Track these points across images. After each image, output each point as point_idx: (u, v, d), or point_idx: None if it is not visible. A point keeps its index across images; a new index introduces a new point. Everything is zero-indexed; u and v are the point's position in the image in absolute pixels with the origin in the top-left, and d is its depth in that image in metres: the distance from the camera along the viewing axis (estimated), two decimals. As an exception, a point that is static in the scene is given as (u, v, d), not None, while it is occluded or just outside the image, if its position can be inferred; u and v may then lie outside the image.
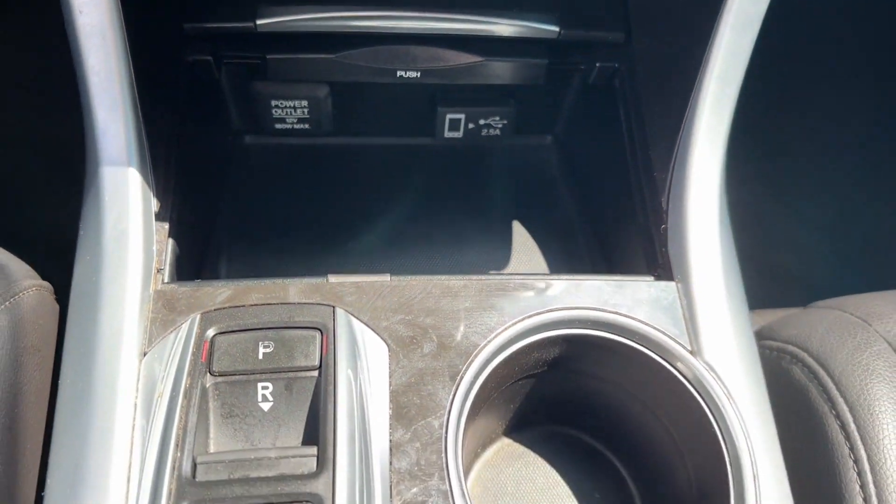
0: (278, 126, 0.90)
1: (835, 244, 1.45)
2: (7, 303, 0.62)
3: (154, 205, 0.63)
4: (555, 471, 0.75)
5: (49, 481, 0.53)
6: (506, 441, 0.77)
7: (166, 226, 0.65)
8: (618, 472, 0.74)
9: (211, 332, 0.57)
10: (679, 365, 0.61)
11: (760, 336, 0.82)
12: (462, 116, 0.93)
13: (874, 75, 1.64)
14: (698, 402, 0.60)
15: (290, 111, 0.89)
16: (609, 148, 0.82)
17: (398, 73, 0.81)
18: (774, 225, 1.46)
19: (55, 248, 0.77)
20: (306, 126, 0.91)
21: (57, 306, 0.71)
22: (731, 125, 0.68)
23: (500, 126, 0.95)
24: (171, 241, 0.65)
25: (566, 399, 0.73)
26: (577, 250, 0.88)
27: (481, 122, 0.94)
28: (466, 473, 0.69)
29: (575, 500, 0.74)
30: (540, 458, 0.76)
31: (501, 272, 0.68)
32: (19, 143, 1.32)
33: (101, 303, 0.58)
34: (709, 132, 0.67)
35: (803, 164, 1.56)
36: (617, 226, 0.80)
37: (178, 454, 0.52)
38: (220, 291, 0.60)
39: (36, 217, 1.16)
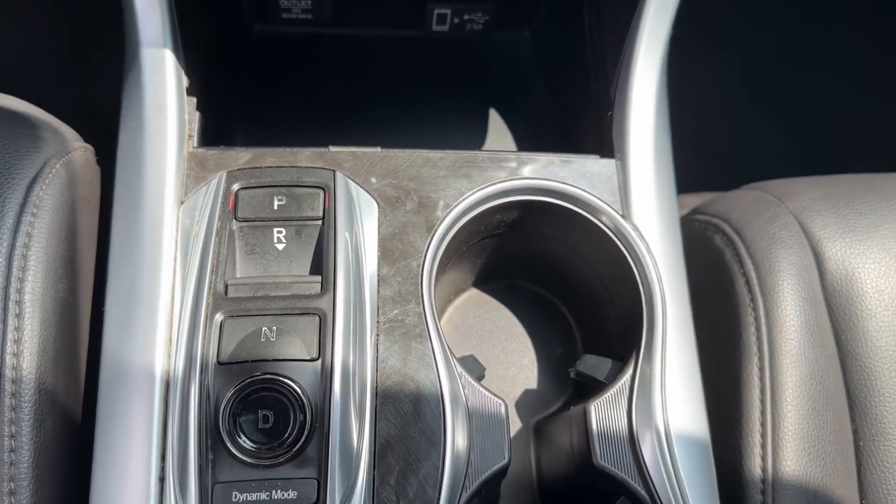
0: (284, 16, 1.01)
1: (781, 140, 1.58)
2: (64, 158, 0.76)
3: (185, 81, 0.76)
4: (513, 315, 0.91)
5: (108, 298, 0.68)
6: (474, 291, 0.93)
7: (194, 100, 0.77)
8: (563, 316, 0.90)
9: (236, 187, 0.71)
10: (611, 225, 0.76)
11: (695, 212, 0.97)
12: (448, 11, 1.04)
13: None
14: (625, 255, 0.75)
15: (296, 1, 1.00)
16: (574, 43, 0.94)
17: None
18: (728, 119, 1.59)
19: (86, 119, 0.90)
20: (309, 16, 1.02)
21: (98, 167, 0.85)
22: (673, 22, 0.80)
23: (482, 21, 1.06)
24: (198, 113, 0.78)
25: (523, 256, 0.88)
26: (541, 132, 1.01)
27: (465, 16, 1.05)
28: (440, 316, 0.84)
29: (529, 338, 0.90)
30: (501, 306, 0.92)
31: (474, 148, 0.81)
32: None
33: (144, 160, 0.71)
34: (652, 29, 0.79)
35: (758, 58, 1.65)
36: (576, 113, 0.93)
37: (213, 277, 0.66)
38: (242, 155, 0.74)
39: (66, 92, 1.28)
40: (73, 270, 0.74)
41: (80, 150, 0.80)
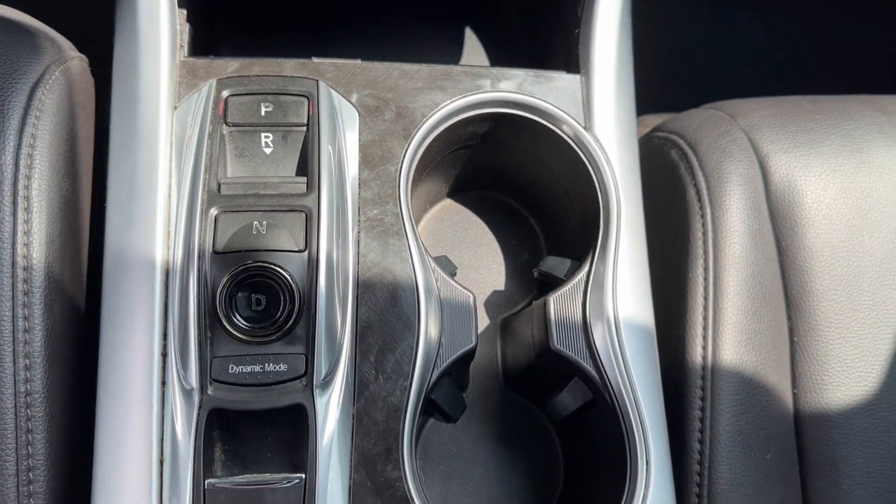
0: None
1: (748, 66, 1.64)
2: (62, 66, 0.80)
3: None
4: (484, 224, 0.99)
5: (109, 194, 0.74)
6: (448, 201, 0.99)
7: (184, 12, 0.82)
8: (529, 224, 0.98)
9: (225, 93, 0.76)
10: (574, 136, 0.82)
11: (655, 130, 1.03)
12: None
13: None
14: (585, 164, 0.82)
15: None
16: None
17: None
18: (695, 47, 1.64)
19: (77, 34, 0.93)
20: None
21: (92, 77, 0.89)
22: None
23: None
24: (188, 24, 0.83)
25: (494, 168, 0.94)
26: (513, 50, 1.06)
27: (443, -63, 1.08)
28: (416, 223, 0.91)
29: (498, 245, 0.98)
30: (473, 215, 0.99)
31: (449, 64, 0.86)
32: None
33: (140, 68, 0.76)
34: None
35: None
36: (546, 31, 0.98)
37: (207, 176, 0.72)
38: (231, 64, 0.79)
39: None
40: (74, 171, 0.80)
41: (77, 60, 0.84)
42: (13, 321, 0.70)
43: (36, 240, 0.73)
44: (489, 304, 0.95)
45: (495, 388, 0.91)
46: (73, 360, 0.76)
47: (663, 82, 1.37)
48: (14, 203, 0.72)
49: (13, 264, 0.71)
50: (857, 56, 1.67)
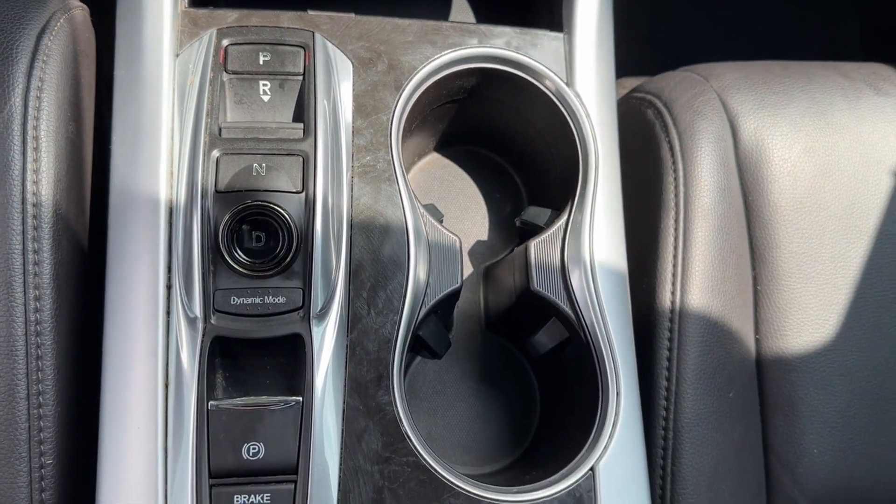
0: None
1: (728, 35, 1.70)
2: (66, 14, 0.83)
3: None
4: (469, 177, 1.03)
5: (115, 136, 0.78)
6: (435, 155, 1.04)
7: None
8: (512, 178, 1.03)
9: (225, 42, 0.80)
10: (556, 91, 0.87)
11: (634, 90, 1.08)
12: None
13: None
14: (566, 117, 0.87)
15: None
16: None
17: None
18: (675, 16, 1.69)
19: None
20: None
21: (92, 27, 0.92)
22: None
23: None
24: None
25: (480, 123, 0.99)
26: (500, 9, 1.10)
27: None
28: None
29: (482, 197, 1.02)
30: (459, 168, 1.03)
31: (439, 20, 0.90)
32: None
33: (144, 16, 0.79)
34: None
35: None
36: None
37: (209, 120, 0.76)
38: (230, 14, 0.82)
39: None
40: (78, 115, 0.83)
41: (79, 9, 0.87)
42: (23, 254, 0.74)
43: (44, 178, 0.76)
44: (473, 253, 1.00)
45: (477, 331, 0.97)
46: (79, 293, 0.80)
47: (643, 51, 1.41)
48: (24, 143, 0.75)
49: (23, 200, 0.75)
50: (831, 26, 1.73)
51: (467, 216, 1.02)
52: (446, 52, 0.86)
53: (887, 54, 1.16)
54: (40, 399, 0.74)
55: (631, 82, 1.18)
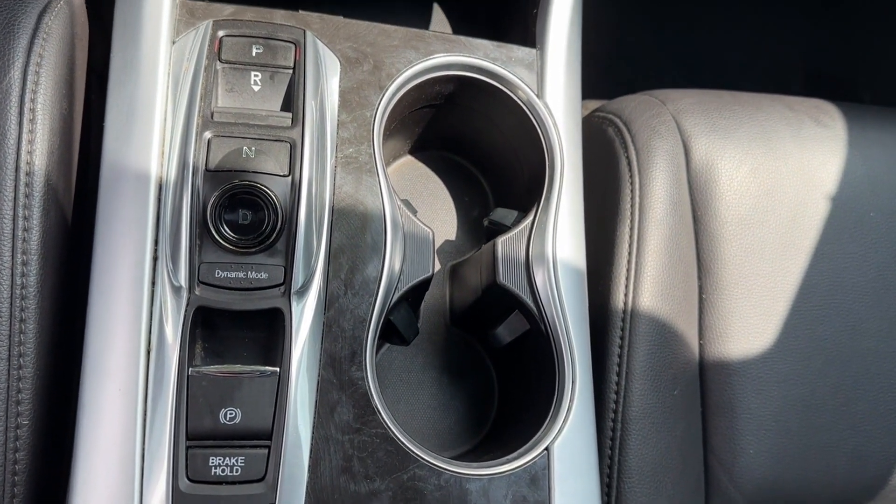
0: None
1: (685, 68, 1.81)
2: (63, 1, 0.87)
3: None
4: (440, 180, 1.09)
5: (108, 114, 0.81)
6: (409, 158, 1.09)
7: None
8: (480, 183, 1.09)
9: (221, 33, 0.84)
10: (527, 101, 0.94)
11: (597, 111, 1.16)
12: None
13: None
14: (535, 126, 0.94)
15: None
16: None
17: None
18: (636, 46, 1.79)
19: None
20: None
21: (86, 12, 0.95)
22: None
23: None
24: None
25: (453, 130, 1.05)
26: (477, 25, 1.17)
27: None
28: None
29: (451, 200, 1.08)
30: (431, 172, 1.09)
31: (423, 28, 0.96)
32: None
33: (143, 3, 0.84)
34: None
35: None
36: (508, 9, 1.10)
37: (202, 104, 0.80)
38: (226, 8, 0.87)
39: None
40: (71, 94, 0.86)
41: (76, -3, 0.91)
42: (14, 220, 0.77)
43: (38, 149, 0.79)
44: (440, 251, 1.05)
45: (442, 325, 1.02)
46: (64, 262, 0.83)
47: (605, 80, 1.49)
48: (20, 114, 0.78)
49: (17, 168, 0.78)
50: (777, 64, 1.86)
51: (437, 217, 1.07)
52: (429, 57, 0.92)
53: (827, 94, 1.27)
54: (21, 361, 0.77)
55: (593, 104, 1.26)
